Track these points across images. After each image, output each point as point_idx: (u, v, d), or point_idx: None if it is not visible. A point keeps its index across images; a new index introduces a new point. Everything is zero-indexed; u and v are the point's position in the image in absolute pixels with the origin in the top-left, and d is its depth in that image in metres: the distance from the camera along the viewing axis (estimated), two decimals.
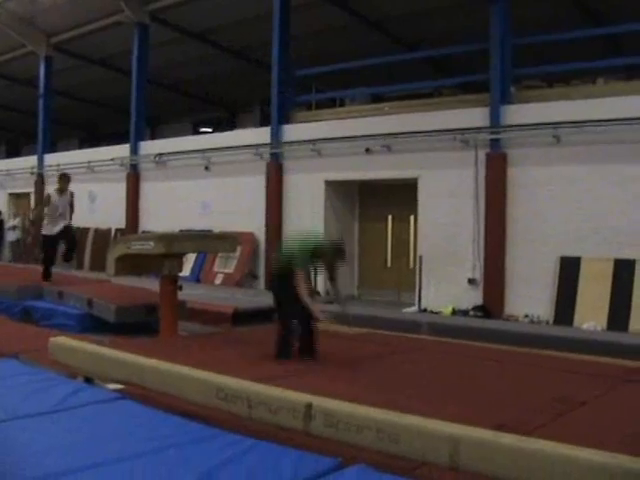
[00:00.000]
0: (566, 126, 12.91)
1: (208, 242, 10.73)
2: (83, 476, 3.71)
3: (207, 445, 4.22)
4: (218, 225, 17.71)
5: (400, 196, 16.25)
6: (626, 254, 12.30)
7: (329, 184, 16.74)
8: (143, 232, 19.35)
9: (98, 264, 19.61)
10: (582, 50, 15.60)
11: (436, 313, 13.84)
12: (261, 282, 17.62)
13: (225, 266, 17.97)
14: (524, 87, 15.16)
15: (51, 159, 24.42)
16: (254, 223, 17.63)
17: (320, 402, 4.75)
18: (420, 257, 14.87)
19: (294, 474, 3.79)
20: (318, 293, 14.94)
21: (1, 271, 16.19)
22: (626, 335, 11.19)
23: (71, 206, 13.46)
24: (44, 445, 4.19)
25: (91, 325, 10.79)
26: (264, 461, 3.98)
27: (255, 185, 17.62)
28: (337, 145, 16.18)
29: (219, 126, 27.78)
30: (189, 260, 17.63)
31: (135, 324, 10.50)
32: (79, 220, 22.34)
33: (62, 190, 13.37)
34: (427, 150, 14.82)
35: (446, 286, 14.36)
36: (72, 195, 13.60)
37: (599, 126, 12.54)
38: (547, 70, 15.38)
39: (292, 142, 17.15)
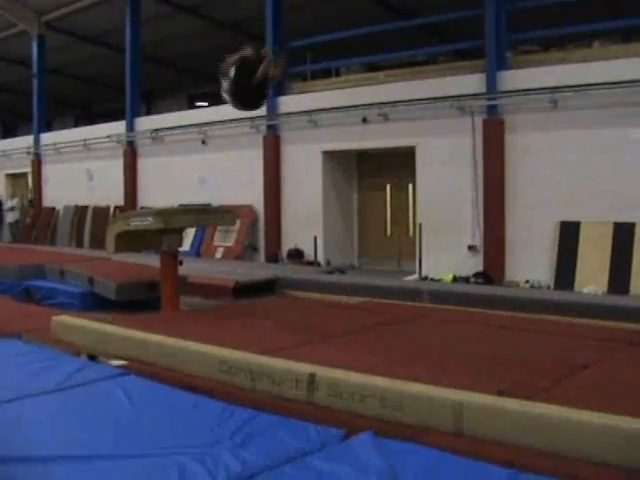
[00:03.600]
0: (563, 90, 12.87)
1: (207, 216, 10.71)
2: (89, 453, 3.72)
3: (212, 418, 4.23)
4: (217, 199, 17.71)
5: (398, 165, 16.24)
6: (626, 217, 12.31)
7: (327, 154, 16.72)
8: (142, 208, 19.33)
9: (98, 242, 19.62)
10: (578, 13, 15.50)
11: (437, 281, 13.86)
12: (261, 254, 17.64)
13: (225, 240, 17.97)
14: (520, 52, 15.09)
15: (47, 138, 24.37)
16: (253, 196, 17.63)
17: (323, 372, 4.76)
18: (419, 225, 14.88)
19: (300, 445, 3.80)
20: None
21: (1, 251, 16.17)
22: (627, 298, 11.18)
23: None
24: (50, 423, 4.21)
25: (93, 303, 10.78)
26: (269, 432, 3.99)
27: (252, 158, 17.61)
28: (333, 115, 16.13)
29: (215, 100, 27.61)
30: (189, 235, 17.62)
31: (137, 301, 10.50)
32: (78, 198, 22.47)
33: None
34: (424, 118, 14.78)
35: (446, 253, 14.38)
36: None
37: (596, 90, 12.50)
38: (543, 34, 15.28)
39: (288, 114, 17.11)
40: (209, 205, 16.94)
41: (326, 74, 20.33)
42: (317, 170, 16.76)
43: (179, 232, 9.51)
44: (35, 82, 24.60)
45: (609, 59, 12.84)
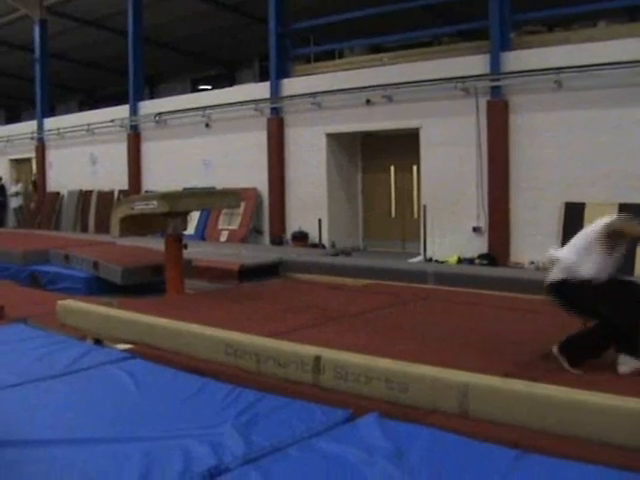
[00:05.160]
0: (568, 71, 12.80)
1: (211, 199, 10.72)
2: (96, 436, 3.74)
3: (218, 400, 4.25)
4: (221, 182, 17.68)
5: (402, 146, 16.20)
6: (631, 198, 12.25)
7: (331, 137, 16.69)
8: (146, 192, 19.33)
9: (102, 226, 19.61)
10: None
11: (442, 262, 13.85)
12: (266, 237, 17.65)
13: (229, 223, 17.96)
14: (524, 32, 15.00)
15: (51, 123, 24.34)
16: (257, 178, 17.61)
17: (329, 354, 4.76)
18: (424, 207, 14.84)
19: (307, 426, 3.81)
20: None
21: (6, 237, 16.20)
22: (633, 279, 11.14)
23: None
24: (56, 407, 4.23)
25: (98, 288, 10.81)
26: (275, 414, 4.01)
27: (256, 140, 17.57)
28: (337, 97, 16.09)
29: (218, 83, 27.59)
30: (193, 218, 17.59)
31: (142, 285, 10.53)
32: (82, 183, 22.48)
33: None
34: (428, 99, 14.73)
35: (451, 235, 14.36)
36: None
37: (601, 70, 12.42)
38: (547, 14, 15.16)
39: (292, 96, 17.06)
40: (213, 188, 16.92)
41: (330, 56, 20.26)
42: (321, 152, 16.73)
43: (184, 215, 9.52)
44: (37, 67, 24.53)
45: (614, 39, 12.76)
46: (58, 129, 23.48)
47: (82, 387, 4.65)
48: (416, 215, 16.06)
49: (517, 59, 13.62)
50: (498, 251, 13.65)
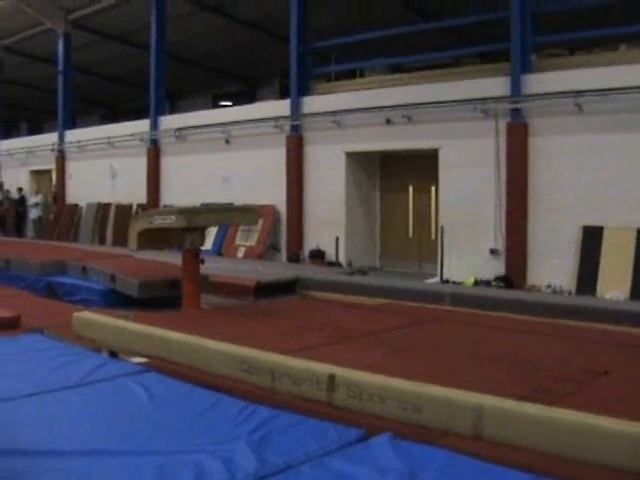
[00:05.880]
0: (588, 94, 12.79)
1: (229, 215, 10.73)
2: (109, 449, 3.74)
3: (232, 416, 4.24)
4: (239, 198, 17.74)
5: (421, 167, 16.22)
6: None
7: (350, 155, 16.73)
8: (164, 207, 19.42)
9: (120, 239, 19.70)
10: (604, 16, 15.41)
11: (458, 284, 13.83)
12: (283, 254, 17.67)
13: (247, 239, 18.00)
14: (545, 55, 15.02)
15: (72, 135, 24.52)
16: (275, 195, 17.65)
17: (343, 373, 4.76)
18: (442, 228, 14.84)
19: (320, 445, 3.80)
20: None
21: (25, 247, 16.29)
22: None
23: None
24: (70, 419, 4.23)
25: (115, 300, 10.84)
26: (288, 432, 4.00)
27: (276, 158, 17.63)
28: (357, 116, 16.14)
29: (239, 99, 27.73)
30: (211, 234, 17.66)
31: (158, 298, 10.56)
32: (101, 196, 22.59)
33: None
34: (448, 120, 14.75)
35: (468, 257, 14.34)
36: None
37: (622, 94, 12.42)
38: (568, 37, 15.19)
39: (312, 114, 17.13)
40: (232, 204, 16.97)
41: (350, 75, 20.33)
42: (340, 171, 16.76)
43: (201, 231, 9.54)
44: (60, 79, 24.76)
45: (635, 63, 12.75)
46: (79, 141, 23.66)
47: (97, 399, 4.66)
48: (433, 236, 16.05)
49: (538, 82, 13.63)
50: (515, 273, 13.61)
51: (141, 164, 21.32)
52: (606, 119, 12.79)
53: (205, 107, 27.40)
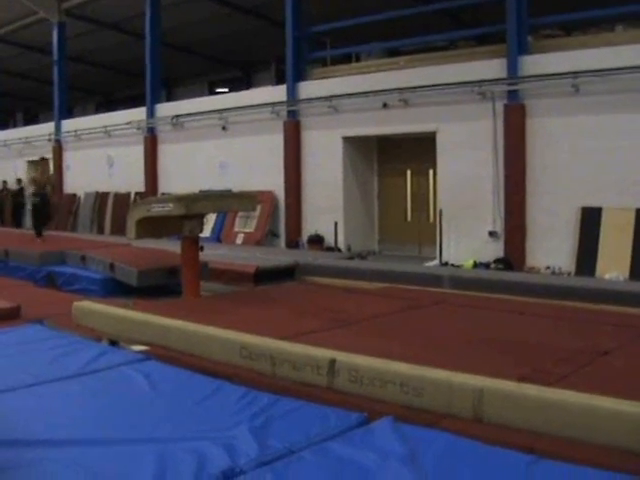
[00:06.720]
0: (585, 75, 12.76)
1: (227, 202, 10.71)
2: (111, 437, 3.75)
3: (233, 402, 4.25)
4: (237, 185, 17.72)
5: (418, 150, 16.20)
6: None
7: (347, 140, 16.70)
8: (162, 194, 19.39)
9: (118, 228, 19.69)
10: None
11: (457, 266, 13.82)
12: (282, 240, 17.67)
13: (245, 225, 17.99)
14: (541, 36, 14.96)
15: (68, 125, 24.46)
16: (273, 181, 17.63)
17: (344, 358, 4.77)
18: (440, 211, 14.83)
19: (321, 430, 3.81)
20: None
21: (23, 238, 16.27)
22: None
23: None
24: (71, 408, 4.24)
25: (114, 289, 10.83)
26: (289, 417, 4.01)
27: (273, 143, 17.60)
28: (354, 101, 16.10)
29: (235, 86, 27.65)
30: (209, 221, 17.64)
31: (157, 286, 10.56)
32: (98, 185, 22.57)
33: None
34: (444, 103, 14.72)
35: (467, 239, 14.34)
36: None
37: (619, 74, 12.38)
38: (565, 18, 15.12)
39: (308, 99, 17.09)
40: (229, 191, 16.95)
41: (346, 59, 20.28)
42: (337, 156, 16.74)
43: (200, 218, 9.52)
44: (55, 69, 24.68)
45: (632, 43, 12.70)
46: (75, 131, 23.62)
47: (97, 388, 4.67)
48: (432, 219, 16.04)
49: (534, 63, 13.59)
50: (514, 256, 13.61)
51: (138, 152, 21.28)
52: (603, 100, 12.76)
53: (201, 94, 27.33)
